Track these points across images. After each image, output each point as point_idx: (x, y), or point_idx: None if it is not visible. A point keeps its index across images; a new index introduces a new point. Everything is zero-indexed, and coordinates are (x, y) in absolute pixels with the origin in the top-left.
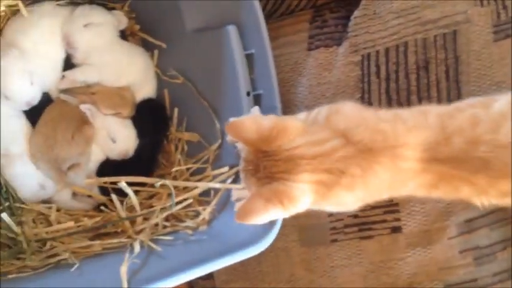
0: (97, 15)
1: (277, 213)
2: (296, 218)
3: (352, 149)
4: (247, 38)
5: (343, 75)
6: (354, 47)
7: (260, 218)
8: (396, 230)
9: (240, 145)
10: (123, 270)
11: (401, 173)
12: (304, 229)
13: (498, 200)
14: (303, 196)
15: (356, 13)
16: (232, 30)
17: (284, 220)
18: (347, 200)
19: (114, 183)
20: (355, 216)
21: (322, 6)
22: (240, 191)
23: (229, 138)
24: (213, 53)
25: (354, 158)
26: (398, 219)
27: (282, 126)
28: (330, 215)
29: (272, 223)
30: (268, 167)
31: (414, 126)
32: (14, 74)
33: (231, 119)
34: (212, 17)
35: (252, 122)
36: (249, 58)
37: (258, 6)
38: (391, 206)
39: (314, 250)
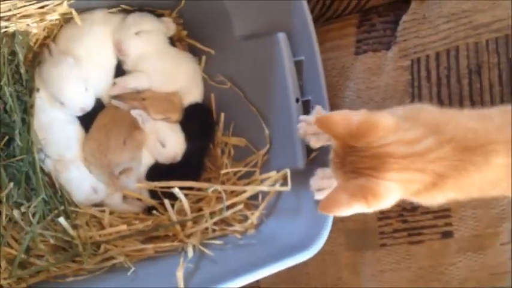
0: (147, 22)
1: (361, 208)
2: (343, 221)
3: (447, 148)
4: (296, 44)
5: (392, 79)
6: (403, 51)
7: (343, 211)
8: (447, 235)
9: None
10: (180, 275)
11: (495, 172)
12: (352, 233)
13: None
14: (388, 194)
15: (405, 17)
16: (282, 37)
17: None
18: (437, 199)
19: (164, 186)
20: (404, 221)
21: (370, 10)
22: (320, 181)
23: (300, 131)
24: (261, 59)
25: (449, 159)
26: (449, 224)
27: (373, 123)
28: (379, 219)
29: (321, 228)
30: (355, 162)
31: (502, 123)
32: (69, 81)
33: (320, 114)
34: (261, 24)
35: (342, 116)
36: (298, 64)
37: (307, 13)
38: (442, 211)
39: (362, 254)
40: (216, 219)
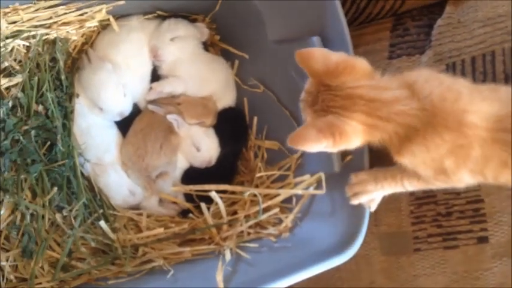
0: (182, 29)
1: (328, 146)
2: (377, 225)
3: (415, 104)
4: (330, 48)
5: None
6: (438, 55)
7: (311, 147)
8: (483, 240)
9: None
10: (219, 278)
11: (467, 139)
12: (385, 237)
13: None
14: (354, 134)
15: (440, 22)
16: (317, 41)
17: None
18: (410, 161)
19: (199, 190)
20: (439, 226)
21: (404, 14)
22: (355, 186)
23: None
24: (295, 63)
25: (414, 115)
26: (485, 229)
27: (350, 64)
28: (413, 224)
29: (357, 231)
30: (326, 100)
31: (488, 97)
32: (108, 87)
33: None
34: (295, 28)
35: (321, 53)
36: None
37: (342, 17)
38: (477, 217)
39: (396, 259)
40: (251, 222)
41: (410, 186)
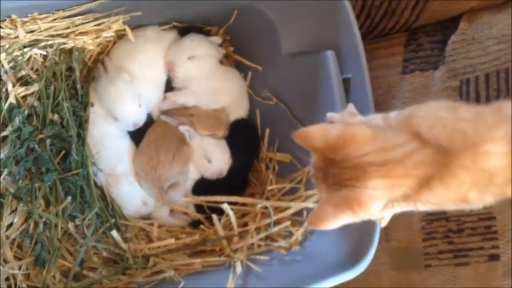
0: (202, 48)
1: (348, 219)
2: (387, 241)
3: (429, 151)
4: (344, 62)
5: (440, 100)
6: (452, 71)
7: (331, 224)
8: (494, 257)
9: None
10: None
11: (486, 171)
12: (396, 253)
13: None
14: (372, 201)
15: (453, 38)
16: (331, 55)
17: None
18: (433, 200)
19: (210, 201)
20: (450, 242)
21: (417, 30)
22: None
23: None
24: (309, 76)
25: (431, 161)
26: (496, 247)
27: (350, 135)
28: (424, 240)
29: (367, 246)
30: (336, 174)
31: (494, 121)
32: (125, 97)
33: (352, 112)
34: (309, 41)
35: (320, 130)
36: (345, 82)
37: (356, 31)
38: (489, 234)
39: (406, 274)
40: (263, 235)
41: (423, 207)
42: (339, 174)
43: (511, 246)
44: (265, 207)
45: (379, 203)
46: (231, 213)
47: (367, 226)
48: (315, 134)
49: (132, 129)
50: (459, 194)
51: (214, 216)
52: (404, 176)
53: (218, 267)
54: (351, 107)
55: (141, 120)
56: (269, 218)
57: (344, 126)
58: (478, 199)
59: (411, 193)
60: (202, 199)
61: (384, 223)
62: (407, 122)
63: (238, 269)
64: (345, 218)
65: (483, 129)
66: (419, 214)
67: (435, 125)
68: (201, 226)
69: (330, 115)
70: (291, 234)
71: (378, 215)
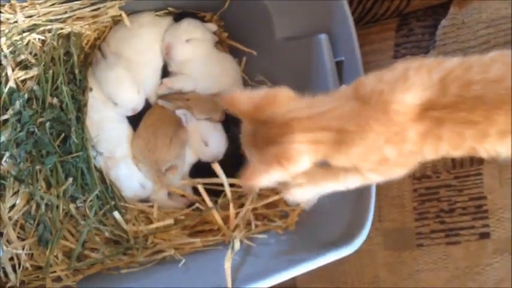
0: (199, 32)
1: (279, 174)
2: (381, 221)
3: (349, 106)
4: (336, 45)
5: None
6: (442, 55)
7: (263, 180)
8: (484, 236)
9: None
10: (228, 265)
11: (397, 125)
12: (389, 233)
13: (500, 144)
14: (300, 155)
15: (444, 22)
16: (324, 39)
17: None
18: (352, 161)
19: (207, 183)
20: (441, 222)
21: (409, 15)
22: None
23: None
24: (302, 60)
25: (350, 115)
26: (487, 226)
27: (272, 94)
28: (416, 220)
29: (361, 224)
30: (263, 134)
31: (413, 85)
32: (124, 83)
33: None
34: (303, 26)
35: (244, 94)
36: (338, 65)
37: (348, 14)
38: (479, 213)
39: (399, 254)
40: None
41: (352, 179)
42: (267, 132)
43: (501, 224)
44: (262, 188)
45: (306, 158)
46: (228, 191)
47: (362, 207)
48: (241, 97)
49: (131, 114)
50: (375, 149)
51: (204, 194)
52: (324, 129)
53: (218, 247)
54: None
55: (140, 105)
56: (265, 199)
57: (267, 88)
58: (396, 157)
59: (333, 152)
60: (199, 181)
61: (308, 204)
62: (354, 88)
63: (237, 245)
64: (276, 174)
65: (399, 90)
66: (411, 195)
67: (360, 87)
68: (196, 205)
69: None
70: (287, 214)
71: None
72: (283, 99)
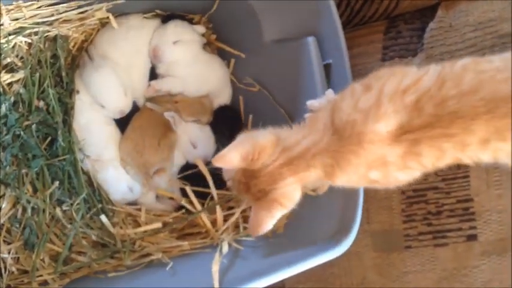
0: (186, 33)
1: (281, 213)
2: (369, 223)
3: (326, 140)
4: (325, 48)
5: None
6: (430, 58)
7: (269, 225)
8: (472, 238)
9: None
10: (215, 269)
11: (373, 154)
12: (377, 235)
13: (482, 151)
14: (295, 193)
15: (432, 25)
16: (312, 41)
17: None
18: (346, 183)
19: (196, 185)
20: (429, 224)
21: (397, 18)
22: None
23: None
24: (290, 62)
25: (328, 150)
26: (474, 228)
27: (260, 147)
28: (404, 222)
29: (349, 227)
30: (258, 184)
31: (386, 112)
32: (111, 85)
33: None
34: (291, 28)
35: (234, 152)
36: (326, 68)
37: (336, 17)
38: (467, 215)
39: (387, 255)
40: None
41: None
42: (260, 183)
43: (488, 226)
44: None
45: (299, 191)
46: (215, 193)
47: (349, 209)
48: (231, 155)
49: (118, 116)
50: (360, 176)
51: (193, 196)
52: (307, 169)
53: (206, 250)
54: (329, 92)
55: (127, 107)
56: None
57: (252, 139)
58: (385, 178)
59: (325, 179)
60: (187, 184)
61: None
62: (331, 112)
63: (225, 248)
64: (279, 214)
65: (371, 119)
66: (400, 197)
67: (336, 117)
68: (183, 204)
69: (309, 103)
70: None
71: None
72: (269, 149)
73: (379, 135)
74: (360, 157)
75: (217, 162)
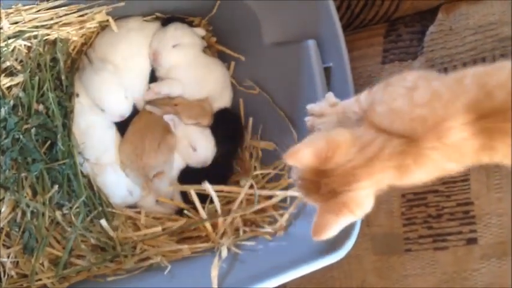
0: (186, 37)
1: (349, 220)
2: (369, 226)
3: (396, 142)
4: (325, 51)
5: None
6: (430, 62)
7: (335, 230)
8: (472, 241)
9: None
10: (214, 273)
11: (453, 147)
12: (377, 238)
13: None
14: (368, 200)
15: (432, 28)
16: (312, 44)
17: None
18: (419, 180)
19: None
20: (429, 227)
21: (397, 21)
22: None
23: (308, 124)
24: (291, 65)
25: (402, 151)
26: (474, 231)
27: (335, 145)
28: (404, 225)
29: (349, 231)
30: (329, 183)
31: (450, 98)
32: (111, 89)
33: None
34: (291, 31)
35: (307, 148)
36: (326, 71)
37: (337, 20)
38: (467, 219)
39: (387, 258)
40: (249, 210)
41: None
42: (331, 182)
43: (488, 230)
44: (250, 194)
45: (371, 198)
46: (215, 197)
47: None
48: (305, 151)
49: (118, 120)
50: (438, 170)
51: (197, 202)
52: (383, 170)
53: (205, 254)
54: (329, 96)
55: (127, 111)
56: (254, 205)
57: (327, 137)
58: (457, 167)
59: (396, 181)
60: (187, 187)
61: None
62: (368, 118)
63: (224, 253)
64: (346, 221)
65: (439, 109)
66: (400, 200)
67: (394, 120)
68: (185, 212)
69: (309, 107)
70: (275, 220)
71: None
72: (344, 148)
73: (456, 125)
74: (439, 151)
75: (289, 159)
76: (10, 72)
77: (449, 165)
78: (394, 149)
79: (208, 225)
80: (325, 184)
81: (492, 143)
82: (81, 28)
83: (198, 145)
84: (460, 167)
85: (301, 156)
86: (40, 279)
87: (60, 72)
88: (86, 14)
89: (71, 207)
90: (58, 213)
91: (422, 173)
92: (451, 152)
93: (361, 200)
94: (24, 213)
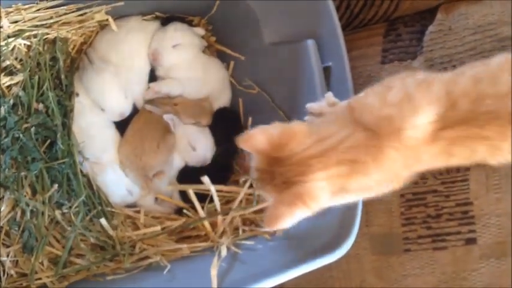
0: (186, 37)
1: (303, 213)
2: (368, 226)
3: (360, 136)
4: (324, 50)
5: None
6: (429, 61)
7: (288, 222)
8: (470, 241)
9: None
10: (214, 272)
11: (412, 150)
12: (376, 238)
13: None
14: (323, 193)
15: (431, 28)
16: (311, 44)
17: None
18: (367, 184)
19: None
20: (428, 227)
21: (396, 20)
22: None
23: None
24: (290, 65)
25: (362, 145)
26: (473, 231)
27: (291, 133)
28: (403, 225)
29: (348, 230)
30: (283, 172)
31: (420, 104)
32: (111, 88)
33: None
34: (290, 31)
35: (262, 133)
36: (326, 70)
37: (336, 20)
38: (466, 219)
39: (386, 258)
40: (248, 210)
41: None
42: (286, 172)
43: (487, 230)
44: (249, 194)
45: (327, 193)
46: (215, 196)
47: (349, 212)
48: (258, 136)
49: (118, 119)
50: (392, 173)
51: (196, 202)
52: (338, 164)
53: (204, 253)
54: (329, 95)
55: (127, 110)
56: (253, 205)
57: (282, 124)
58: (407, 177)
59: (346, 180)
60: (186, 187)
61: None
62: (350, 110)
63: (224, 252)
64: (300, 213)
65: (407, 111)
66: (399, 200)
67: (363, 112)
68: (184, 211)
69: (309, 106)
70: None
71: (328, 203)
72: (300, 137)
73: (418, 129)
74: (399, 152)
75: (243, 143)
76: (10, 71)
77: (404, 173)
78: (355, 142)
79: (207, 224)
80: (279, 174)
81: (452, 150)
82: (80, 27)
83: (197, 145)
84: (411, 174)
85: (255, 140)
86: (40, 278)
87: (60, 71)
88: (86, 13)
89: (70, 207)
90: (57, 212)
91: (378, 172)
92: (409, 156)
93: (316, 193)
94: (23, 212)
